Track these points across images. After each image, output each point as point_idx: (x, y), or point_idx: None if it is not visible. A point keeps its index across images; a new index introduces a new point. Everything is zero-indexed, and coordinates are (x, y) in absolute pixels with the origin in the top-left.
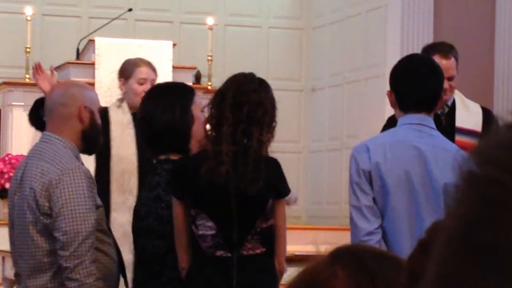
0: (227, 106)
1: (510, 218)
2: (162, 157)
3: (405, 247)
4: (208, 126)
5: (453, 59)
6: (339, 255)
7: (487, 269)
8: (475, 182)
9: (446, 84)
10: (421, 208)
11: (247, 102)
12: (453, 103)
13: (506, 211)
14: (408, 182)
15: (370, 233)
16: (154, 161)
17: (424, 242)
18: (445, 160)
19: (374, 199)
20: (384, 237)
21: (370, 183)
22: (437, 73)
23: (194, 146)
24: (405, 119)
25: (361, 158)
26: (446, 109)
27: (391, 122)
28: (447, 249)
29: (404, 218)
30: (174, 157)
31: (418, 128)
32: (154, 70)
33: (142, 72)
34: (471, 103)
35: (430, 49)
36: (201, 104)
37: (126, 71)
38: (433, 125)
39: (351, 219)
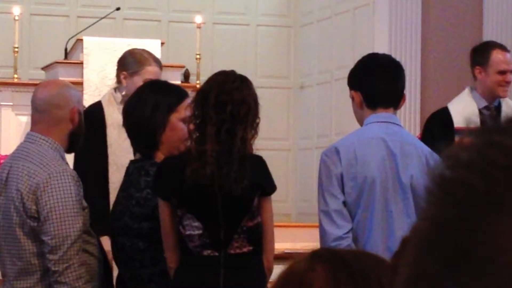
0: (210, 106)
1: (479, 220)
2: (137, 157)
3: (378, 244)
4: (191, 126)
5: (509, 54)
6: (318, 252)
7: (457, 270)
8: (445, 184)
9: (510, 77)
10: (391, 204)
11: (230, 101)
12: (499, 104)
13: (475, 212)
14: (379, 179)
15: (339, 238)
16: (128, 162)
17: (408, 240)
18: (412, 155)
19: (344, 202)
20: (357, 236)
21: (342, 185)
22: (402, 70)
23: (178, 148)
24: (372, 118)
25: (331, 162)
26: (494, 112)
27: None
28: (419, 250)
29: (377, 215)
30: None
31: (385, 126)
32: (161, 68)
33: (151, 72)
34: None
35: (488, 45)
36: (185, 115)
37: (133, 66)
38: (399, 122)
39: (320, 224)
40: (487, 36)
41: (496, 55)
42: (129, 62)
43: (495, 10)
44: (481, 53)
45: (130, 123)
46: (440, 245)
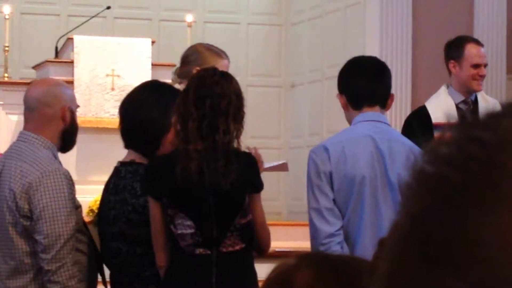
0: (190, 101)
1: (457, 214)
2: (127, 159)
3: (368, 242)
4: (178, 126)
5: (483, 48)
6: (304, 254)
7: (436, 265)
8: (424, 179)
9: (484, 71)
10: (380, 202)
11: (210, 95)
12: (476, 99)
13: (453, 207)
14: (369, 177)
15: (331, 235)
16: (117, 164)
17: (385, 241)
18: (400, 153)
19: (334, 200)
20: (347, 235)
21: (331, 183)
22: (387, 70)
23: (167, 149)
24: (360, 117)
25: (320, 160)
26: (471, 106)
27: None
28: (399, 246)
29: (366, 213)
30: (138, 160)
31: (373, 124)
32: (228, 60)
33: (225, 66)
34: (490, 99)
35: (462, 39)
36: None
37: (207, 60)
38: (387, 121)
39: (311, 222)
40: (478, 34)
41: (470, 49)
42: (206, 56)
43: (485, 8)
44: (455, 47)
45: (133, 123)
46: (419, 240)
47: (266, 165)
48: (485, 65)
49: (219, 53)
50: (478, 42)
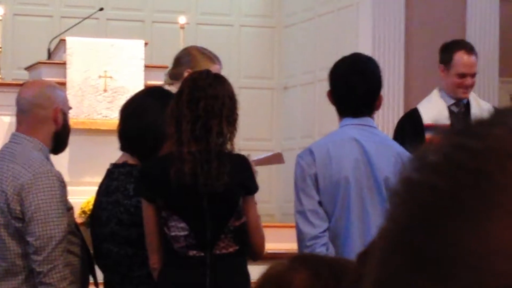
0: (183, 103)
1: (442, 222)
2: (120, 161)
3: (356, 243)
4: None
5: (475, 56)
6: (299, 256)
7: (422, 273)
8: (411, 186)
9: (470, 81)
10: (367, 203)
11: (203, 97)
12: (468, 102)
13: (440, 215)
14: (354, 178)
15: (314, 237)
16: (110, 166)
17: (363, 254)
18: (387, 155)
19: (320, 202)
20: (335, 236)
21: (317, 185)
22: (364, 74)
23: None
24: (346, 121)
25: (305, 163)
26: (463, 109)
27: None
28: (386, 254)
29: (353, 214)
30: (131, 161)
31: (360, 128)
32: (220, 65)
33: (216, 71)
34: (483, 102)
35: (454, 45)
36: None
37: (198, 64)
38: (374, 125)
39: (296, 224)
40: (470, 36)
41: (459, 57)
42: (198, 60)
43: (478, 11)
44: (446, 52)
45: (135, 128)
46: (405, 248)
47: (257, 157)
48: (474, 74)
49: (212, 58)
50: (470, 50)
